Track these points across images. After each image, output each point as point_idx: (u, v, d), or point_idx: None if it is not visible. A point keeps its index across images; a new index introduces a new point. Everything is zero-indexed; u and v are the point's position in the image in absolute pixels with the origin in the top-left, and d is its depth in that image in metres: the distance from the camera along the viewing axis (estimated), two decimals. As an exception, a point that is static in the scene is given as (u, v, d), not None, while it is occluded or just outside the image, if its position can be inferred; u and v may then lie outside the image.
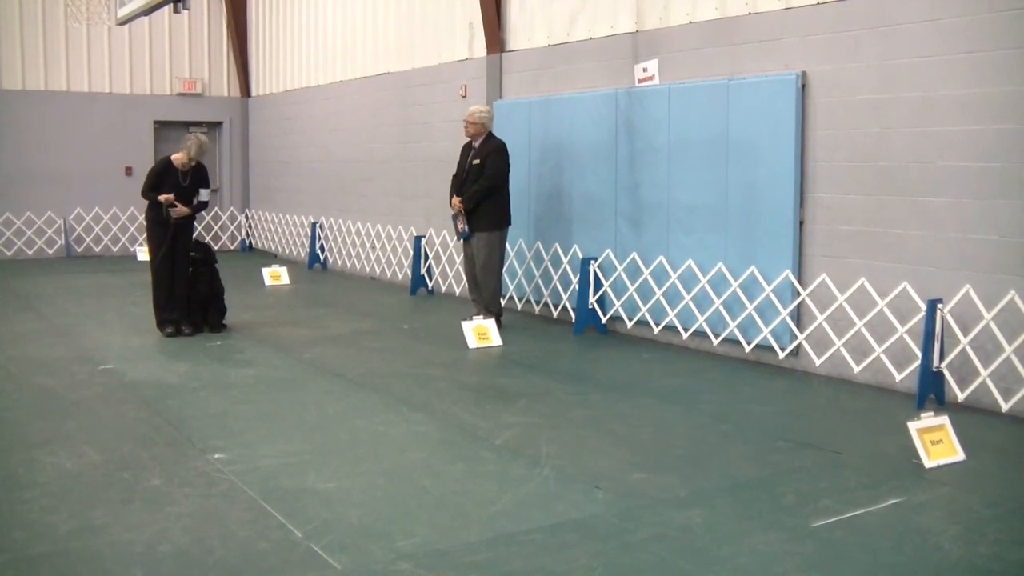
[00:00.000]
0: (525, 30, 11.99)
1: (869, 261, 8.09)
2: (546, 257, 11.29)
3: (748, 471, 5.86)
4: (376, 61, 15.33)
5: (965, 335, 7.27)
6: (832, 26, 8.31)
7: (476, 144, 10.49)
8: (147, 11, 12.75)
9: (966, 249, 7.41)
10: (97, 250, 18.73)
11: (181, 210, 9.98)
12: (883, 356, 7.84)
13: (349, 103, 16.16)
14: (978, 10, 7.26)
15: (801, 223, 8.62)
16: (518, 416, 7.05)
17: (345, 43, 16.30)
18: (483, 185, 10.28)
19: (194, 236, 10.47)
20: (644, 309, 9.97)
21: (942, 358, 7.38)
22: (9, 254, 17.91)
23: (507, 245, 10.89)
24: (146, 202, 10.12)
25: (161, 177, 9.99)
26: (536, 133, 11.49)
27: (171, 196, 9.89)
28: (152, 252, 10.12)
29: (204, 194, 10.24)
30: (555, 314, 11.30)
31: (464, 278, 11.65)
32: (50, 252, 18.33)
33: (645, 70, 10.08)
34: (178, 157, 10.08)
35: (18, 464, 5.86)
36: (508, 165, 10.47)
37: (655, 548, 4.62)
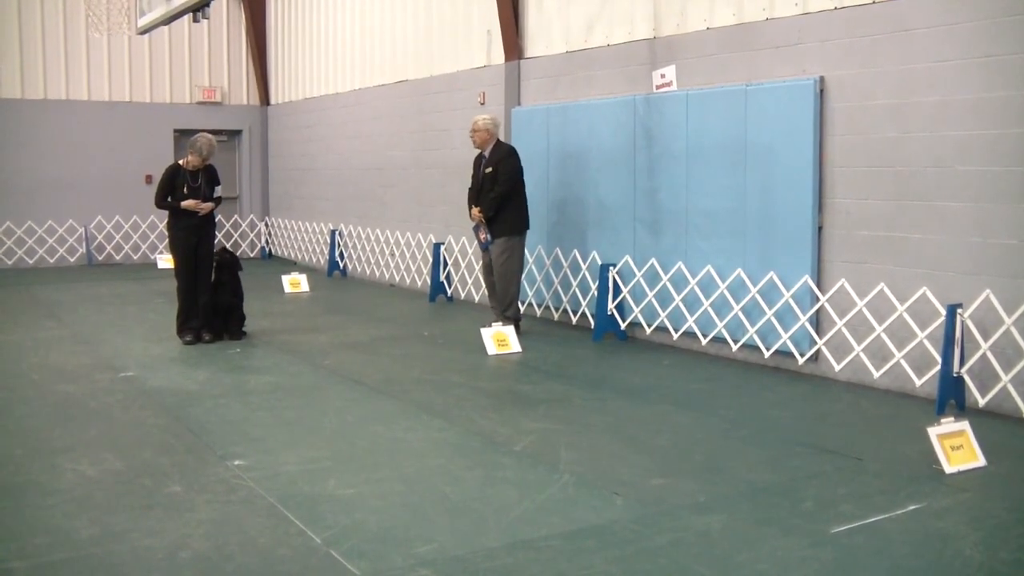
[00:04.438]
0: (543, 37, 12.01)
1: (888, 266, 8.06)
2: (565, 263, 11.30)
3: (767, 477, 5.85)
4: (394, 69, 15.38)
5: (985, 340, 7.23)
6: (849, 31, 8.29)
7: (486, 153, 10.52)
8: (167, 21, 12.83)
9: (986, 253, 7.37)
10: (118, 258, 18.85)
11: (206, 206, 10.05)
12: (903, 361, 7.81)
13: (367, 111, 16.22)
14: (995, 14, 7.23)
15: (820, 228, 8.59)
16: (537, 422, 7.05)
17: (363, 51, 16.36)
18: (499, 192, 10.29)
19: (216, 243, 10.52)
20: (663, 315, 9.96)
21: (962, 363, 7.34)
22: (31, 262, 18.05)
23: (526, 250, 10.89)
24: (164, 211, 10.20)
25: (172, 182, 10.03)
26: (554, 140, 11.50)
27: (194, 203, 9.94)
28: (176, 261, 10.17)
29: (218, 190, 10.29)
30: (574, 320, 11.30)
31: (483, 285, 11.66)
32: (71, 260, 18.46)
33: (663, 76, 10.08)
34: (190, 160, 10.12)
35: (40, 470, 5.91)
36: (521, 168, 10.48)
37: (674, 554, 4.62)
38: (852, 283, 8.25)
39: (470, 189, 10.76)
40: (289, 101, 19.37)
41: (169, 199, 10.01)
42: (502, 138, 11.23)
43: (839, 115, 8.41)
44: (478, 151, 10.65)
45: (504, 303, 10.53)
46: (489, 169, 10.40)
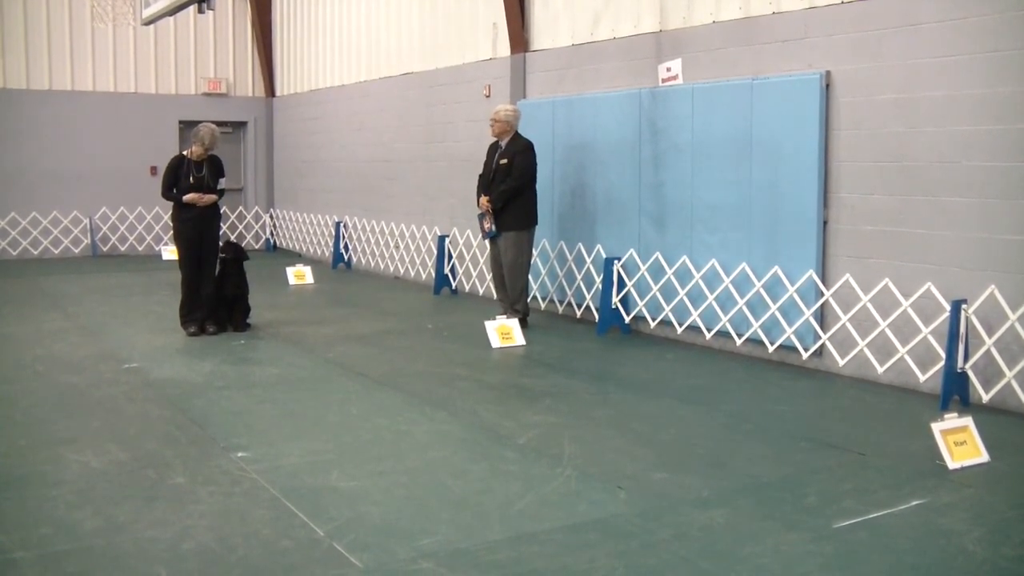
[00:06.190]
0: (549, 30, 11.99)
1: (893, 261, 8.05)
2: (569, 256, 11.29)
3: (770, 471, 5.85)
4: (400, 61, 15.36)
5: (990, 336, 7.22)
6: (856, 25, 8.27)
7: (503, 143, 10.49)
8: (172, 11, 12.83)
9: (991, 249, 7.36)
10: (122, 249, 18.87)
11: (208, 198, 10.05)
12: (907, 357, 7.79)
13: (373, 103, 16.21)
14: (1003, 8, 7.20)
15: (825, 223, 8.58)
16: (541, 415, 7.05)
17: (369, 43, 16.35)
18: (511, 185, 10.27)
19: (221, 235, 10.52)
20: (667, 309, 9.95)
21: (966, 359, 7.33)
22: (36, 253, 18.07)
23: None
24: (169, 202, 10.20)
25: (177, 172, 10.03)
26: (560, 133, 11.49)
27: (196, 196, 9.94)
28: (180, 252, 10.18)
29: (223, 182, 10.30)
30: (578, 314, 11.29)
31: (488, 277, 11.65)
32: (76, 251, 18.48)
33: (669, 70, 10.06)
34: (193, 150, 10.12)
35: (44, 461, 5.92)
36: (535, 164, 10.46)
37: (677, 548, 4.62)
38: (857, 278, 8.23)
39: (481, 176, 10.74)
40: (294, 93, 19.37)
41: (174, 190, 10.01)
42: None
43: (845, 110, 8.38)
44: (494, 139, 10.63)
45: (513, 298, 10.52)
46: (504, 161, 10.37)
